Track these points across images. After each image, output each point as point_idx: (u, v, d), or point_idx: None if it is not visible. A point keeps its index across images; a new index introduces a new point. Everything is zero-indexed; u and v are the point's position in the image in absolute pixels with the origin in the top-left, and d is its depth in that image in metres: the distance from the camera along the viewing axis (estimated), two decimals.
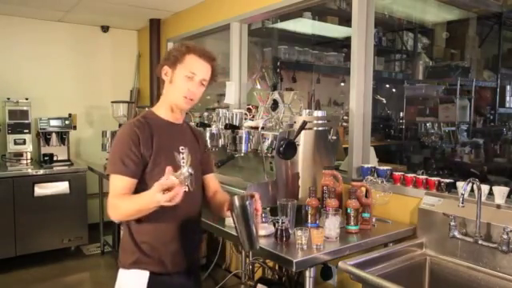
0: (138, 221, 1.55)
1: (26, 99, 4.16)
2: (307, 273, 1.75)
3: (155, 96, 4.57)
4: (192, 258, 1.71)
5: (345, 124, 2.94)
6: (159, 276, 1.59)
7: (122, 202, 1.49)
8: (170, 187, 1.32)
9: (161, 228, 1.59)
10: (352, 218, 2.01)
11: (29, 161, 4.14)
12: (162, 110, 1.66)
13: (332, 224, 1.89)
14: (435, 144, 4.34)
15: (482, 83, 4.65)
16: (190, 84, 1.59)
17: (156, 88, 4.59)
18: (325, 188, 2.14)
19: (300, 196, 2.19)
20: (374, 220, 2.16)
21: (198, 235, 1.79)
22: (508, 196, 1.87)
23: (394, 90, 5.02)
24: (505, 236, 1.70)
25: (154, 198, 1.34)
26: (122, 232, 1.66)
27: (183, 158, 1.63)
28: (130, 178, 1.52)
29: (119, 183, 1.52)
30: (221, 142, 2.47)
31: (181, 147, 1.65)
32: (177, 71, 1.60)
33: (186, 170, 1.37)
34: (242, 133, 2.22)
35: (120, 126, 4.14)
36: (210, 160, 1.87)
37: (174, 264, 1.62)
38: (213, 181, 1.82)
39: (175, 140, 1.65)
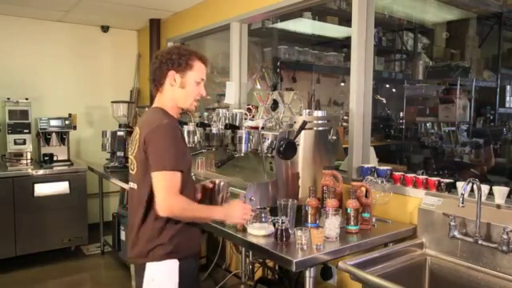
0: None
1: (26, 99, 4.16)
2: (307, 273, 1.75)
3: (155, 96, 4.56)
4: (200, 242, 1.91)
5: (345, 124, 2.94)
6: (185, 261, 1.71)
7: (196, 208, 1.69)
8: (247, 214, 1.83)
9: None
10: (352, 218, 2.01)
11: (29, 161, 4.14)
12: (169, 108, 1.78)
13: (332, 224, 1.89)
14: (435, 144, 4.34)
15: (482, 83, 4.65)
16: (199, 88, 1.79)
17: None
18: (325, 188, 2.14)
19: (300, 196, 2.19)
20: (374, 220, 2.16)
21: None
22: (508, 196, 1.87)
23: (393, 90, 5.02)
24: (505, 236, 1.71)
25: (236, 217, 1.80)
26: (138, 228, 1.71)
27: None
28: (181, 174, 1.64)
29: (178, 180, 1.61)
30: (221, 141, 2.47)
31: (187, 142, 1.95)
32: (188, 77, 1.74)
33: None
34: (242, 133, 2.22)
35: (120, 126, 4.14)
36: None
37: (198, 247, 1.82)
38: None
39: (183, 136, 1.87)
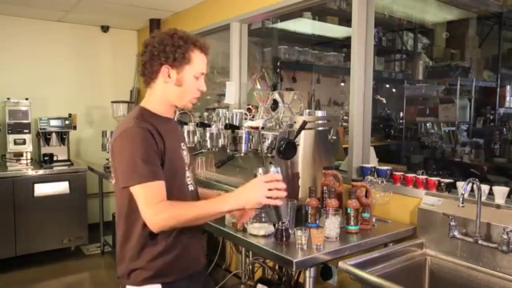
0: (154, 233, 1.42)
1: (26, 99, 4.16)
2: (307, 273, 1.75)
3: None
4: (202, 259, 1.64)
5: (345, 124, 2.94)
6: (172, 285, 1.49)
7: (190, 206, 1.40)
8: (273, 180, 1.36)
9: (179, 235, 1.48)
10: (352, 218, 2.01)
11: (29, 161, 4.14)
12: (157, 107, 1.53)
13: (332, 224, 1.89)
14: (435, 144, 4.34)
15: (482, 83, 4.65)
16: (199, 83, 1.51)
17: None
18: (325, 188, 2.14)
19: (300, 196, 2.19)
20: (374, 220, 2.16)
21: (202, 233, 1.70)
22: (508, 196, 1.87)
23: (394, 90, 5.02)
24: (505, 236, 1.70)
25: (256, 194, 1.35)
26: (121, 245, 1.52)
27: (185, 156, 1.60)
28: (163, 181, 1.40)
29: (158, 189, 1.38)
30: (221, 141, 2.47)
31: (182, 144, 1.60)
32: (186, 73, 1.47)
33: (273, 169, 1.42)
34: (242, 133, 2.22)
35: None
36: None
37: (193, 267, 1.56)
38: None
39: (175, 136, 1.58)
